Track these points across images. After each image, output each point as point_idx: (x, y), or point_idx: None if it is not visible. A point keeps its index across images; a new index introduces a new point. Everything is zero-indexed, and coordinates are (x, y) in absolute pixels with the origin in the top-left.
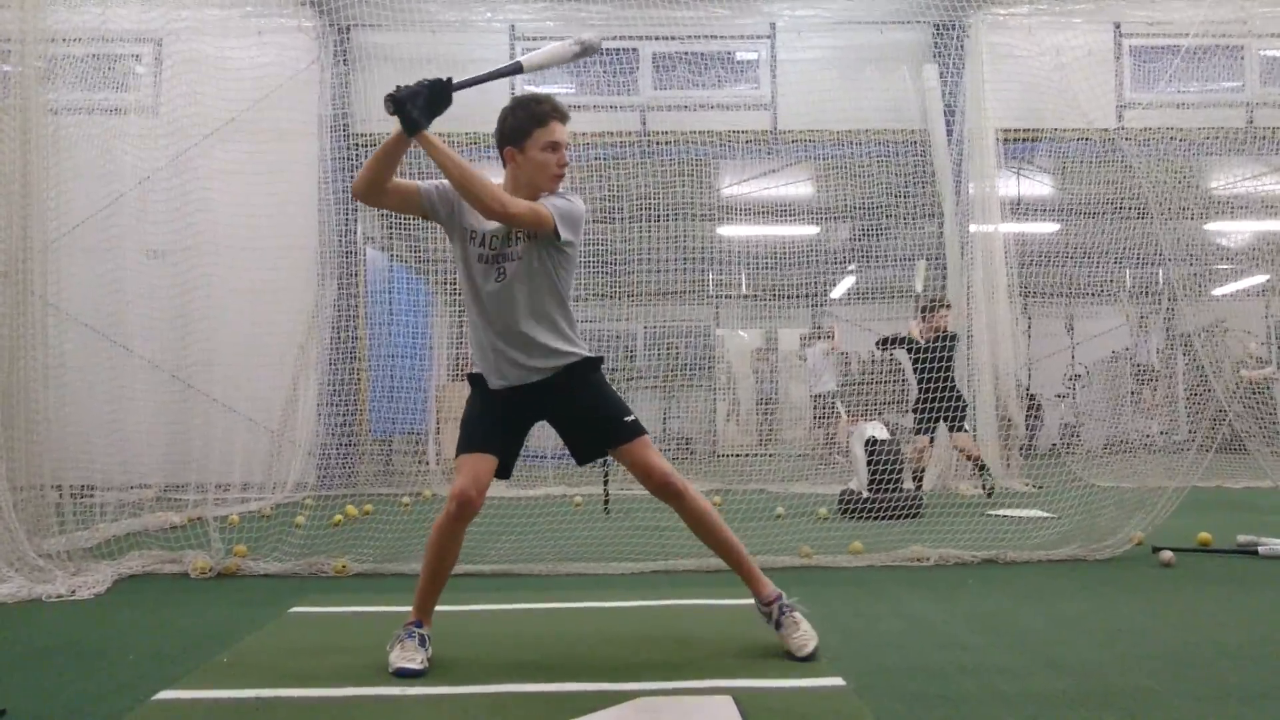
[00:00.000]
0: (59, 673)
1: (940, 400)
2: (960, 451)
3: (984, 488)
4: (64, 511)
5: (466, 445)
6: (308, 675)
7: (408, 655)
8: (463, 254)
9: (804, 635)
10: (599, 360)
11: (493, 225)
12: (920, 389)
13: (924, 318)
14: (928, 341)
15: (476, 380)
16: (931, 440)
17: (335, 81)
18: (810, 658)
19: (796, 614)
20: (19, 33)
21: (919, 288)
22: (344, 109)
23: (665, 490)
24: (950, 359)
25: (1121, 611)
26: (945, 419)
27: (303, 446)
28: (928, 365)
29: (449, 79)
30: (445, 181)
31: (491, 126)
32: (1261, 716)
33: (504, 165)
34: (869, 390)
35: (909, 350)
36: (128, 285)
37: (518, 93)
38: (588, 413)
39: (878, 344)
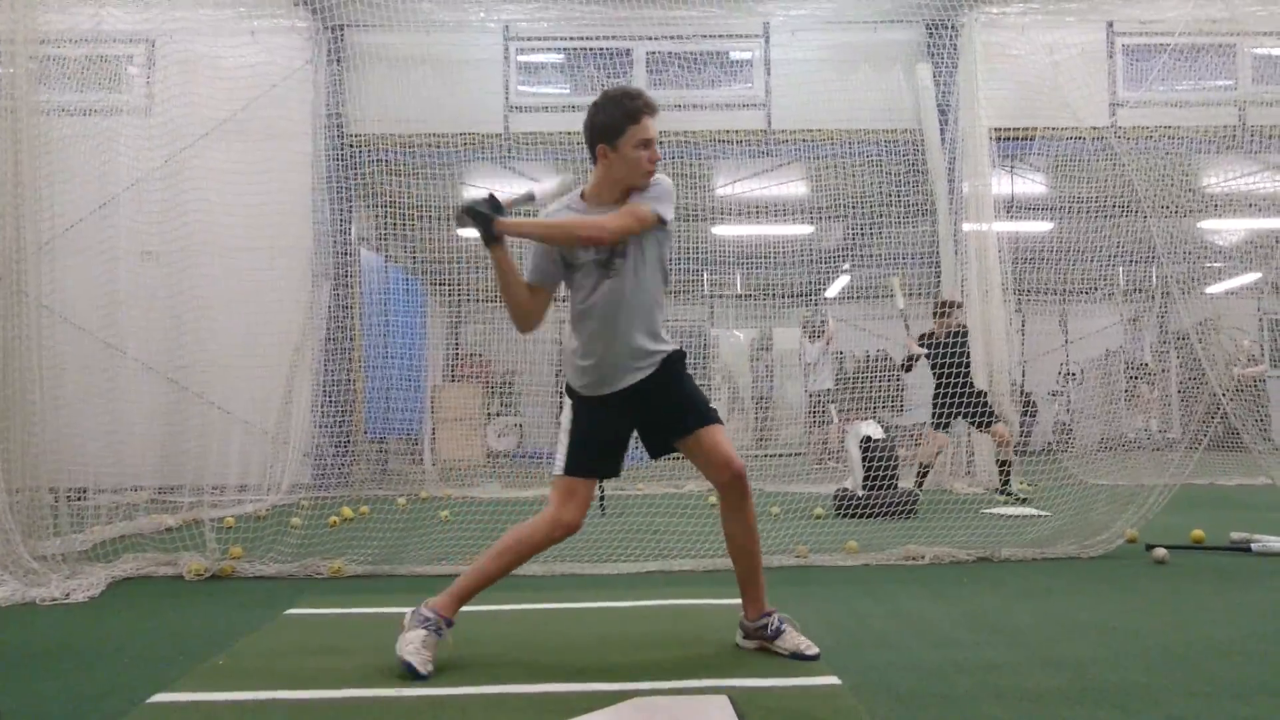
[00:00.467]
0: (53, 676)
1: (960, 397)
2: (1001, 443)
3: (1005, 489)
4: (58, 514)
5: (579, 470)
6: (304, 677)
7: (423, 656)
8: (575, 275)
9: (805, 640)
10: (685, 354)
11: None
12: (939, 386)
13: (940, 317)
14: (943, 338)
15: (580, 397)
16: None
17: (329, 82)
18: (814, 657)
19: (795, 624)
20: (10, 33)
21: (900, 305)
22: (338, 109)
23: (737, 484)
24: (966, 355)
25: (1115, 608)
26: (967, 416)
27: (298, 448)
28: (945, 362)
29: (493, 196)
30: (532, 248)
31: (483, 128)
32: (1255, 712)
33: (595, 162)
34: (864, 389)
35: (929, 347)
36: (122, 287)
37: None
38: (682, 399)
39: (904, 366)
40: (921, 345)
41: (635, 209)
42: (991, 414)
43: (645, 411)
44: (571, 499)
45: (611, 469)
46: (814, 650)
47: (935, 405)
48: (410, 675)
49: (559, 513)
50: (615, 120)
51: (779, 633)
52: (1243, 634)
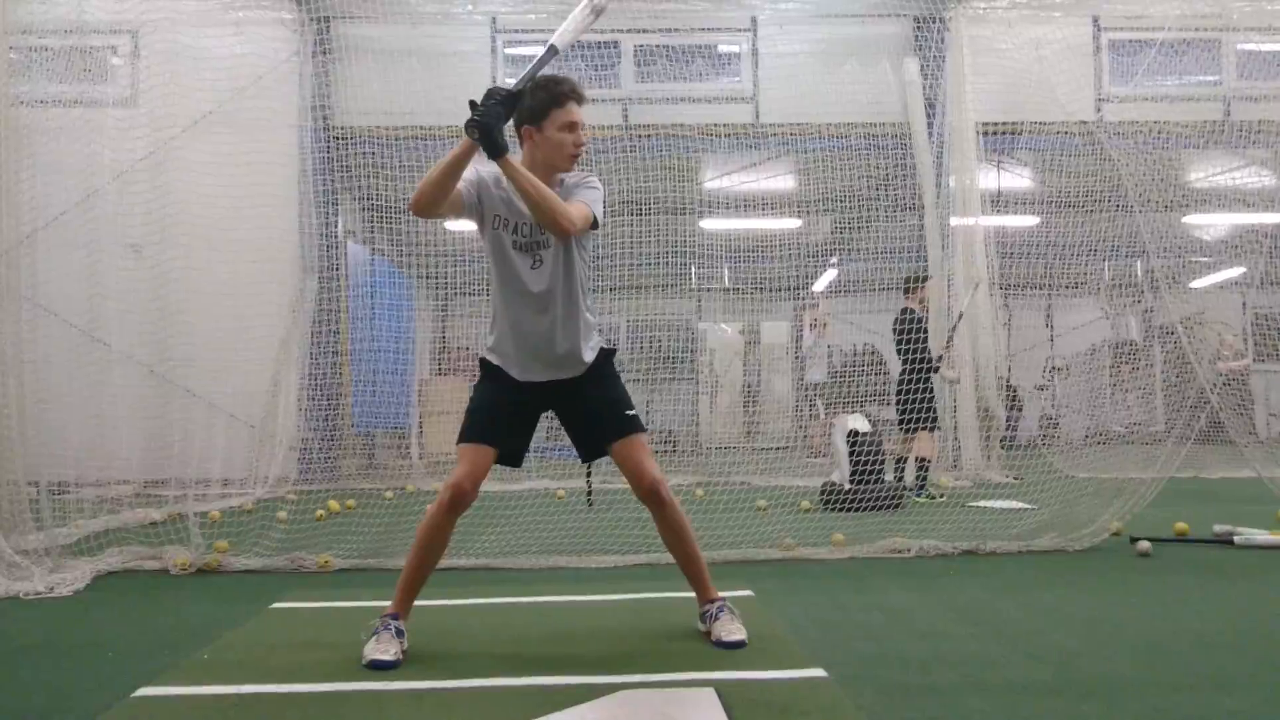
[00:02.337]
0: (37, 670)
1: (917, 387)
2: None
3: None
4: (41, 508)
5: (468, 434)
6: (290, 671)
7: (382, 647)
8: (495, 243)
9: (736, 626)
10: (613, 351)
11: (521, 214)
12: (909, 376)
13: (914, 291)
14: (925, 317)
15: (490, 368)
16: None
17: (315, 74)
18: (734, 645)
19: (735, 614)
20: None
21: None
22: (324, 101)
23: (653, 496)
24: (924, 341)
25: (1099, 601)
26: (900, 409)
27: (284, 441)
28: (911, 348)
29: (510, 89)
30: (469, 173)
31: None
32: (1237, 704)
33: (520, 144)
34: (851, 383)
35: (914, 330)
36: (106, 279)
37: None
38: (594, 403)
39: (935, 368)
40: (904, 322)
41: (584, 211)
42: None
43: (560, 408)
44: (460, 464)
45: (503, 441)
46: (732, 637)
47: (917, 400)
48: (383, 668)
49: (449, 478)
50: (540, 103)
51: (715, 618)
52: (1225, 626)
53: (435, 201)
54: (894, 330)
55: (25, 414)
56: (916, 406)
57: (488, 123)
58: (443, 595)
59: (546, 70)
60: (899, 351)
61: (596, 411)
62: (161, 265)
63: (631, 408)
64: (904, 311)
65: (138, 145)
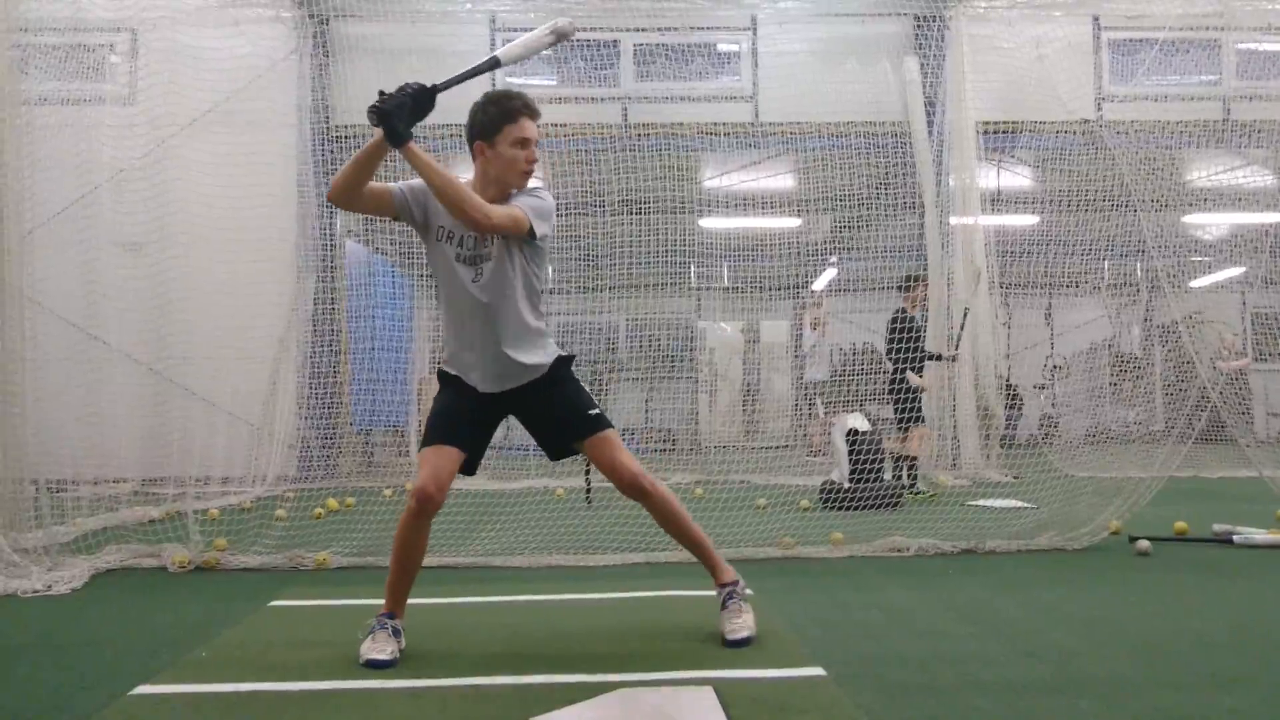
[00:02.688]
0: (36, 668)
1: (903, 386)
2: (921, 441)
3: (910, 484)
4: (40, 506)
5: (430, 439)
6: (288, 669)
7: (378, 646)
8: (438, 255)
9: (741, 623)
10: (571, 358)
11: (464, 227)
12: (899, 373)
13: (910, 291)
14: (919, 318)
15: (448, 377)
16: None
17: (314, 72)
18: (735, 644)
19: (744, 603)
20: None
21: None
22: (323, 100)
23: (634, 488)
24: (920, 341)
25: (1098, 600)
26: (897, 408)
27: (283, 439)
28: (904, 347)
29: (432, 85)
30: (417, 182)
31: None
32: (1236, 702)
33: (474, 159)
34: (851, 382)
35: (905, 330)
36: (105, 278)
37: (499, 85)
38: (554, 408)
39: (932, 357)
40: (898, 324)
41: (514, 211)
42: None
43: (521, 413)
44: (423, 468)
45: (463, 442)
46: (735, 636)
47: (905, 397)
48: (380, 667)
49: (414, 484)
50: (492, 119)
51: (723, 607)
52: (1224, 625)
53: (346, 191)
54: (887, 329)
55: (25, 412)
56: (908, 404)
57: (387, 109)
58: (441, 593)
59: (482, 81)
60: (888, 352)
61: (558, 416)
62: (160, 264)
63: (594, 407)
64: (898, 312)
65: (136, 143)
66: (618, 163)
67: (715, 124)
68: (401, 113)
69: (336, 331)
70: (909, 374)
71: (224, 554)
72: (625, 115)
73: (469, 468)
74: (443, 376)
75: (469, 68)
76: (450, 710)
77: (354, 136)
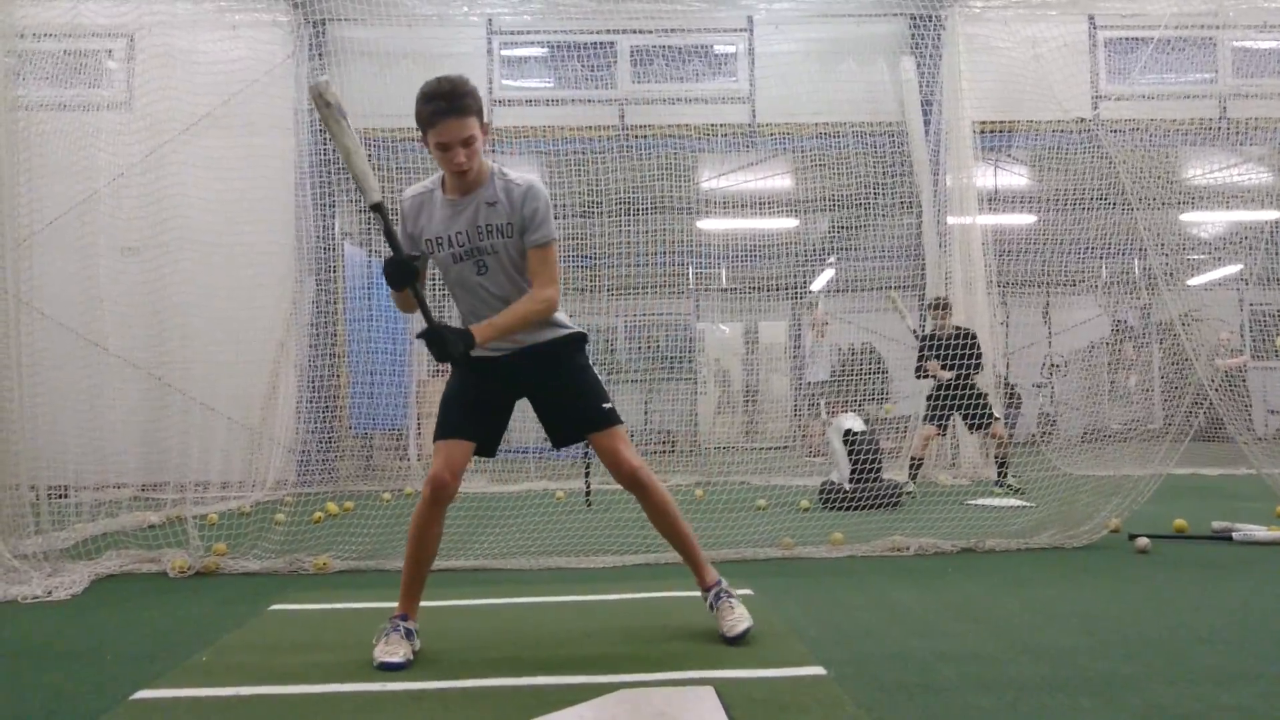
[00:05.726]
0: (36, 674)
1: (962, 395)
2: (997, 441)
3: (1001, 483)
4: (39, 512)
5: (442, 430)
6: (288, 673)
7: (390, 649)
8: (440, 263)
9: (737, 617)
10: (585, 338)
11: (453, 226)
12: (941, 383)
13: (935, 314)
14: (946, 339)
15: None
16: (941, 431)
17: (311, 76)
18: (738, 639)
19: (733, 599)
20: None
21: (909, 324)
22: None
23: (633, 482)
24: (978, 354)
25: (1098, 598)
26: (965, 415)
27: (282, 444)
28: (955, 361)
29: (401, 259)
30: (399, 219)
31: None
32: (1235, 699)
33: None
34: (849, 382)
35: (933, 348)
36: (103, 282)
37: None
38: (568, 393)
39: (917, 372)
40: (926, 346)
41: (547, 258)
42: (990, 414)
43: (534, 396)
44: (436, 457)
45: (476, 431)
46: (734, 631)
47: (931, 400)
48: (392, 669)
49: (429, 472)
50: (419, 118)
51: (713, 608)
52: (1224, 622)
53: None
54: (926, 348)
55: (21, 418)
56: (952, 406)
57: (444, 350)
58: (442, 596)
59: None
60: (918, 372)
61: (571, 405)
62: (158, 268)
63: (608, 401)
64: (931, 338)
65: (134, 148)
66: (615, 164)
67: (712, 125)
68: (443, 335)
69: (335, 335)
70: (932, 363)
71: (224, 558)
72: (622, 117)
73: (489, 449)
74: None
75: (384, 231)
76: (452, 712)
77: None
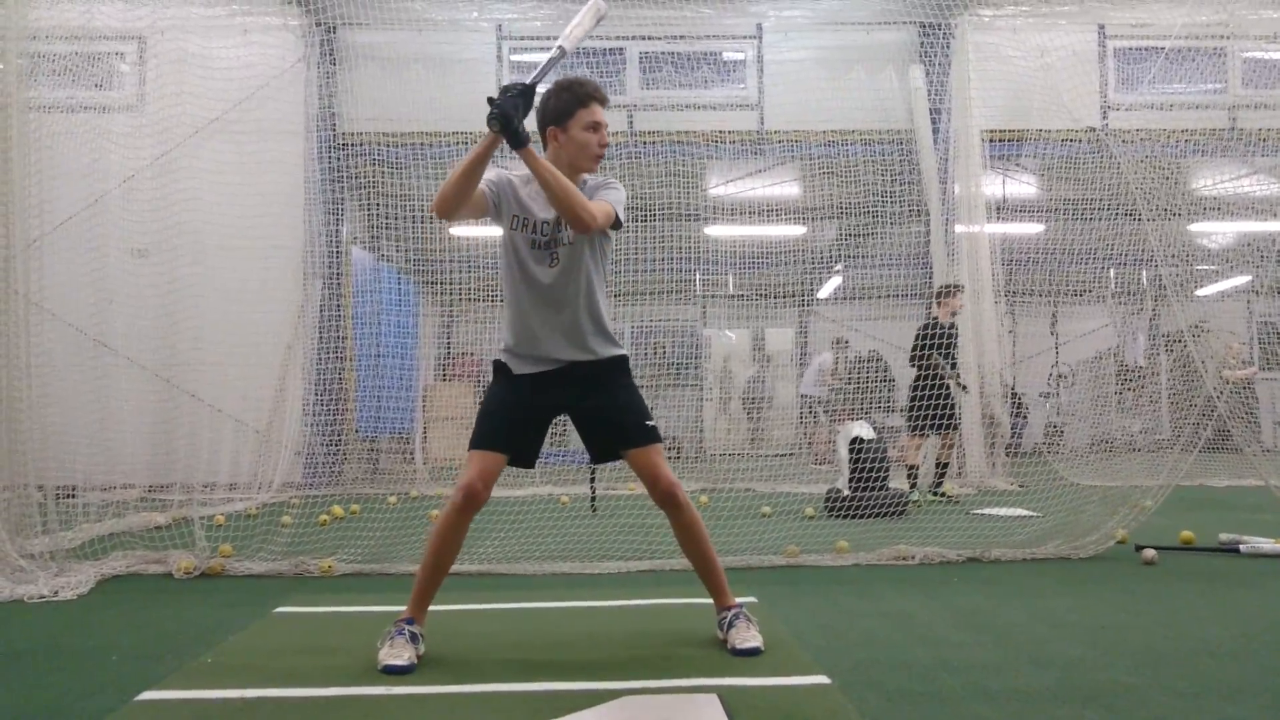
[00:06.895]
0: (41, 674)
1: (933, 396)
2: (946, 446)
3: (935, 488)
4: (47, 512)
5: (479, 440)
6: (293, 675)
7: (395, 652)
8: (511, 243)
9: (751, 634)
10: (627, 359)
11: (544, 214)
12: (919, 383)
13: (941, 301)
14: (947, 326)
15: (503, 369)
16: (923, 436)
17: (321, 80)
18: (746, 652)
19: (752, 622)
20: (1, 29)
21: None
22: (330, 108)
23: (669, 499)
24: (953, 350)
25: (1104, 609)
26: (932, 414)
27: (289, 446)
28: (929, 357)
29: (531, 82)
30: (491, 174)
31: (475, 127)
32: (1242, 712)
33: (544, 146)
34: (857, 392)
35: (936, 336)
36: (112, 284)
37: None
38: (615, 410)
39: (914, 360)
40: (925, 334)
41: (605, 207)
42: (952, 420)
43: (575, 411)
44: (470, 466)
45: (512, 445)
46: (746, 645)
47: (913, 406)
48: (397, 672)
49: (460, 479)
50: (566, 104)
51: (731, 626)
52: (1231, 634)
53: (459, 203)
54: (917, 338)
55: (30, 418)
56: (928, 410)
57: (508, 113)
58: (446, 600)
59: (555, 73)
60: (913, 360)
61: (616, 420)
62: (167, 270)
63: (650, 418)
64: (930, 319)
65: (144, 151)
66: (623, 170)
67: (720, 132)
68: (520, 116)
69: (342, 338)
70: (951, 383)
71: (229, 560)
72: (631, 123)
73: (527, 461)
74: (498, 368)
75: (544, 63)
76: (456, 717)
77: (360, 144)
